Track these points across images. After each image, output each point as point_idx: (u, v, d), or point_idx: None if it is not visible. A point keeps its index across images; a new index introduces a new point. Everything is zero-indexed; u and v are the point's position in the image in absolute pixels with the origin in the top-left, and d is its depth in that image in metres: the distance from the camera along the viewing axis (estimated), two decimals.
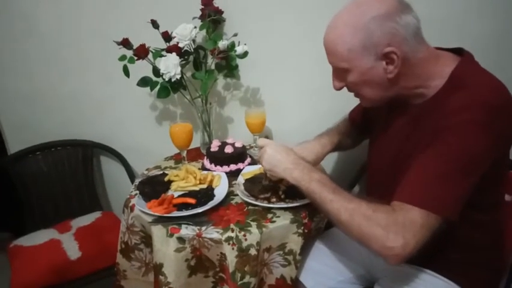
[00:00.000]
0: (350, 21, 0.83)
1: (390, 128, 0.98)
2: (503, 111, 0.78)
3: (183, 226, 1.03)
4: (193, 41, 1.39)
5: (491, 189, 0.86)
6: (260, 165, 1.26)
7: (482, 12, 1.31)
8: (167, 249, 1.01)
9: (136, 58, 1.36)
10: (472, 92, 0.79)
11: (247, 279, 0.99)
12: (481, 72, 0.85)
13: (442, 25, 1.17)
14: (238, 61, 1.42)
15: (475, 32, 1.30)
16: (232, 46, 1.38)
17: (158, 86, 1.44)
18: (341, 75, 0.90)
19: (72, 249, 1.40)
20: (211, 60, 1.43)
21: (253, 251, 0.98)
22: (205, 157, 1.38)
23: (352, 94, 1.17)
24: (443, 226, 0.77)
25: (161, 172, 1.31)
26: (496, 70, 0.85)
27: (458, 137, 0.77)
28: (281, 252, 1.04)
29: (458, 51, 0.89)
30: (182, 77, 1.41)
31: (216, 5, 1.41)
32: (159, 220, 1.06)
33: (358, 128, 1.24)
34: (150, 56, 1.38)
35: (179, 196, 1.14)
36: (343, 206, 0.82)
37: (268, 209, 1.08)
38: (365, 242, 0.79)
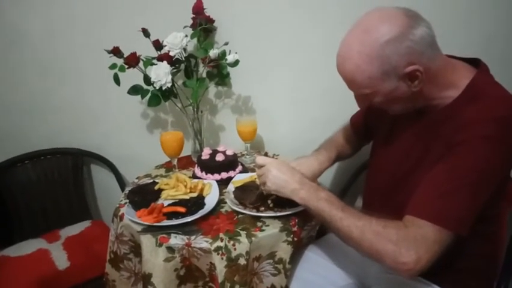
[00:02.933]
0: (363, 50, 0.79)
1: (396, 136, 0.98)
2: None
3: (172, 235, 1.02)
4: (184, 49, 1.40)
5: (495, 202, 0.86)
6: (252, 174, 1.27)
7: (469, 20, 1.33)
8: (156, 259, 1.00)
9: (126, 66, 1.36)
10: (487, 105, 0.79)
11: None
12: (495, 85, 0.85)
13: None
14: (230, 69, 1.43)
15: (462, 41, 1.32)
16: (223, 55, 1.39)
17: (149, 94, 1.44)
18: (365, 98, 0.88)
19: (61, 259, 1.38)
20: (202, 69, 1.43)
21: (242, 261, 0.98)
22: (196, 165, 1.38)
23: (344, 102, 1.17)
24: (454, 241, 0.77)
25: (152, 181, 1.30)
26: None
27: (471, 152, 0.77)
28: (271, 261, 1.03)
29: (473, 61, 0.89)
30: (173, 85, 1.42)
31: (207, 14, 1.42)
32: (148, 229, 1.05)
33: (359, 133, 1.24)
34: (141, 64, 1.38)
35: (169, 205, 1.13)
36: (353, 223, 0.82)
37: (258, 218, 1.07)
38: (377, 258, 0.79)
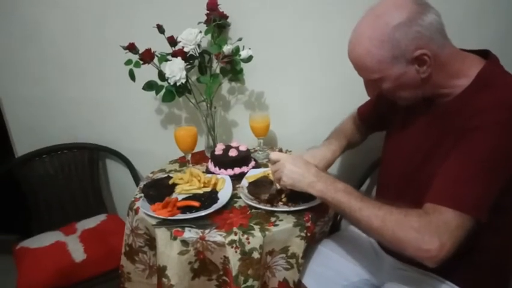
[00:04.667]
0: (373, 35, 0.82)
1: (409, 126, 0.98)
2: None
3: (187, 229, 1.03)
4: (198, 45, 1.41)
5: (510, 190, 0.85)
6: (264, 170, 1.28)
7: (482, 18, 1.31)
8: (170, 252, 1.02)
9: (141, 62, 1.38)
10: (499, 93, 0.80)
11: (250, 282, 0.99)
12: (506, 74, 0.85)
13: None
14: (243, 65, 1.43)
15: (475, 40, 1.29)
16: (236, 50, 1.39)
17: (163, 90, 1.45)
18: (374, 84, 0.90)
19: (77, 252, 1.42)
20: (216, 65, 1.44)
21: (256, 255, 0.99)
22: (210, 160, 1.39)
23: (356, 97, 1.17)
24: (474, 227, 0.77)
25: (166, 175, 1.32)
26: None
27: (487, 137, 0.77)
28: (284, 255, 1.04)
29: (483, 53, 0.89)
30: (187, 81, 1.43)
31: (221, 10, 1.42)
32: (163, 223, 1.06)
33: (367, 123, 1.24)
34: (156, 60, 1.40)
35: (184, 199, 1.14)
36: (373, 213, 0.82)
37: (271, 213, 1.08)
38: (400, 247, 0.79)
